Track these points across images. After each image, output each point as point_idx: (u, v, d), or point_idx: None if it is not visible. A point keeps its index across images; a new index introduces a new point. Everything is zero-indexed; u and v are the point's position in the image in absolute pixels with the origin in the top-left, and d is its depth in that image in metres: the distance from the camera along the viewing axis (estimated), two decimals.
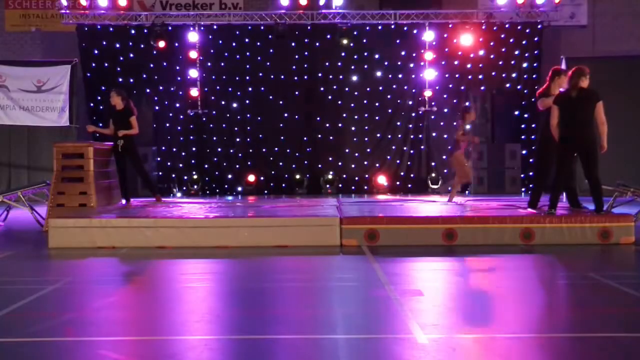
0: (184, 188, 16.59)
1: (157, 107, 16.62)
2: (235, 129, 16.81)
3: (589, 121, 9.21)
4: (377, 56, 16.55)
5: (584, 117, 9.18)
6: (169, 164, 16.70)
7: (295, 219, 9.46)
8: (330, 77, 16.66)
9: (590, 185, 9.35)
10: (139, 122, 12.22)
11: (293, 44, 16.52)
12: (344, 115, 16.77)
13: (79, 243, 9.01)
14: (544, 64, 16.18)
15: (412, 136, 16.82)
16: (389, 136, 16.86)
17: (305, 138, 16.81)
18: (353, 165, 16.85)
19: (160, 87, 16.57)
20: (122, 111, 12.04)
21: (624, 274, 7.54)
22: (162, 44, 15.92)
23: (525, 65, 16.43)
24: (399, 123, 16.82)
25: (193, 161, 16.80)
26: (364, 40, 16.48)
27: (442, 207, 11.40)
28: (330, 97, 16.69)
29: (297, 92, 16.74)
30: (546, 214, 9.31)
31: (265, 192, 16.55)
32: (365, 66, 16.63)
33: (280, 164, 16.77)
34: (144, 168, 12.94)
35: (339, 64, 16.62)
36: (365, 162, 16.83)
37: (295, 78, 16.67)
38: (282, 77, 16.65)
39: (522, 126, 16.40)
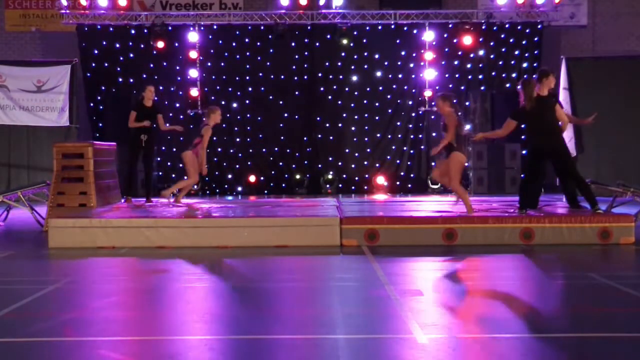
0: None
1: None
2: (235, 129, 16.80)
3: (553, 126, 9.43)
4: (377, 56, 16.55)
5: (545, 124, 9.40)
6: (169, 164, 16.69)
7: (295, 219, 9.46)
8: (330, 77, 16.66)
9: (576, 185, 9.53)
10: (138, 122, 12.24)
11: (293, 44, 16.52)
12: (344, 115, 16.76)
13: (79, 243, 9.01)
14: (543, 64, 16.18)
15: (412, 136, 16.82)
16: (389, 136, 16.86)
17: (305, 138, 16.81)
18: (353, 165, 16.85)
19: (160, 87, 16.54)
20: (152, 107, 12.09)
21: (624, 274, 7.54)
22: (160, 44, 15.91)
23: (525, 65, 16.43)
24: (399, 123, 16.82)
25: None
26: (364, 40, 16.48)
27: (442, 207, 11.38)
28: (330, 97, 16.69)
29: (297, 92, 16.74)
30: (517, 211, 9.45)
31: (265, 192, 16.54)
32: (365, 66, 16.63)
33: (280, 164, 16.77)
34: (153, 168, 12.95)
35: (339, 64, 16.62)
36: (365, 162, 16.83)
37: (295, 78, 16.67)
38: (282, 77, 16.64)
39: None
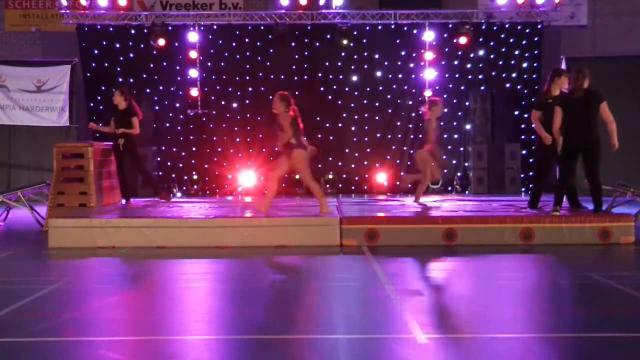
0: (184, 188, 16.58)
1: (157, 107, 16.58)
2: (235, 128, 16.79)
3: (593, 122, 9.24)
4: (377, 56, 16.52)
5: (588, 118, 9.20)
6: (169, 164, 16.67)
7: (295, 219, 9.46)
8: (330, 77, 16.63)
9: (591, 186, 9.39)
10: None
11: (293, 44, 16.50)
12: (344, 115, 16.72)
13: (79, 243, 9.02)
14: (544, 64, 16.18)
15: (412, 136, 16.79)
16: (389, 136, 16.85)
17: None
18: (353, 165, 16.82)
19: (160, 87, 16.55)
20: (124, 111, 12.05)
21: (624, 274, 7.54)
22: (162, 41, 15.89)
23: (525, 65, 16.41)
24: (399, 123, 16.79)
25: (193, 161, 16.78)
26: (364, 40, 16.45)
27: (442, 207, 11.39)
28: (330, 97, 16.66)
29: (297, 92, 16.69)
30: (551, 212, 9.31)
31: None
32: (365, 66, 16.60)
33: None
34: (145, 167, 12.93)
35: (339, 64, 16.58)
36: (365, 162, 16.80)
37: (295, 78, 16.64)
38: (282, 77, 16.62)
39: (522, 126, 16.39)
